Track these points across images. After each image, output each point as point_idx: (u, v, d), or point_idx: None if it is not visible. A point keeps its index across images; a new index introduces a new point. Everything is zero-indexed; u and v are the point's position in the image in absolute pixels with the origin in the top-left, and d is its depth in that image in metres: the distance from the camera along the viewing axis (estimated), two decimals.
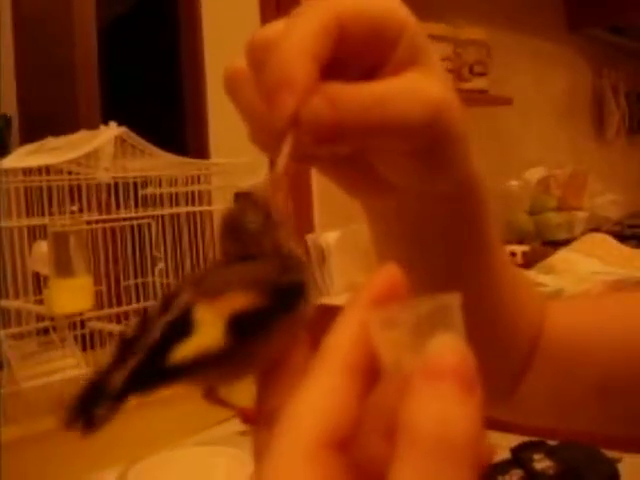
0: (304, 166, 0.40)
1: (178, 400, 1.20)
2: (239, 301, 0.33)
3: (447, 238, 0.45)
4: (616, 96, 3.32)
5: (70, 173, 1.17)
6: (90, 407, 0.32)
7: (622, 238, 1.96)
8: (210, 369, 0.33)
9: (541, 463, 0.91)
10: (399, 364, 0.27)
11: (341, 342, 0.28)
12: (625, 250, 1.68)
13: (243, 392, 0.37)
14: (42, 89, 2.48)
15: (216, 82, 1.84)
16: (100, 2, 2.10)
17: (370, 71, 0.36)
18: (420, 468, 0.24)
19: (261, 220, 0.35)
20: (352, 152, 0.38)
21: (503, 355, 0.55)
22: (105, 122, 1.29)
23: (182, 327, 0.33)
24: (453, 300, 0.27)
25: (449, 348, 0.25)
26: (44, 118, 2.43)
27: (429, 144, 0.37)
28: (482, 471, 0.26)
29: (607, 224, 2.36)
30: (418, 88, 0.35)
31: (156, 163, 1.25)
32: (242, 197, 0.36)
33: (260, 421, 0.34)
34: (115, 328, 1.20)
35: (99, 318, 1.15)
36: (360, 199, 0.45)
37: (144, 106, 1.92)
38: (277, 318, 0.34)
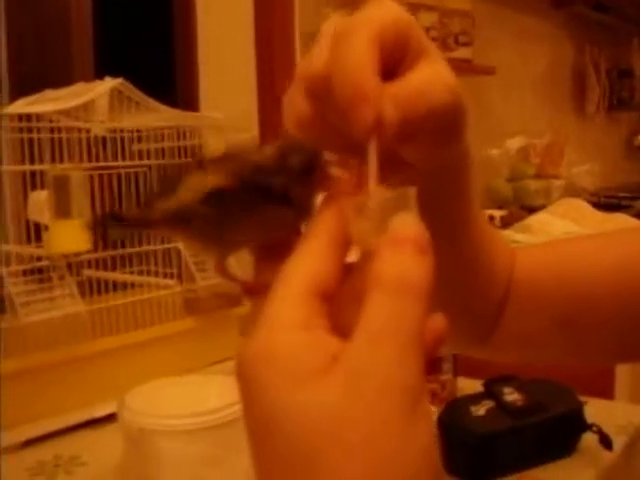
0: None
1: (174, 339, 1.26)
2: (221, 182, 0.40)
3: (439, 199, 0.50)
4: (597, 73, 3.39)
5: (60, 129, 1.21)
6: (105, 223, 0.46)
7: (597, 207, 2.04)
8: (190, 225, 0.41)
9: (511, 396, 0.98)
10: (366, 239, 0.34)
11: (325, 221, 0.36)
12: (598, 214, 1.75)
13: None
14: (33, 46, 2.46)
15: (206, 35, 1.88)
16: None
17: (390, 66, 0.39)
18: (387, 304, 0.31)
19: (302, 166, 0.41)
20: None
21: (482, 298, 0.61)
22: (98, 77, 1.33)
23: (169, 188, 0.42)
24: (411, 190, 0.34)
25: (409, 224, 0.33)
26: (36, 76, 2.42)
27: (449, 122, 0.41)
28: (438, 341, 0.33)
29: (584, 194, 2.44)
30: (440, 76, 0.40)
31: (152, 116, 1.30)
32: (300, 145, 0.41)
33: (258, 292, 0.40)
34: (107, 275, 1.25)
35: (93, 265, 1.20)
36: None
37: (135, 61, 1.94)
38: (250, 204, 0.40)
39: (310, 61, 0.39)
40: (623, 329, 0.59)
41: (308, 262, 0.34)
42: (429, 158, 0.44)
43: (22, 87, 2.35)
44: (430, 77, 0.39)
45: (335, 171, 0.39)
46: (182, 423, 0.84)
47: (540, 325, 0.64)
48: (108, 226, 0.45)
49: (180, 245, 1.30)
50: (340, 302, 0.34)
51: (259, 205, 0.40)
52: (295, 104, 0.39)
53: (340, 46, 0.37)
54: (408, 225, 0.33)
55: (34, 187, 1.16)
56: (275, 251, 0.41)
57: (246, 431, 0.33)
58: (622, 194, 2.68)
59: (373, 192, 0.35)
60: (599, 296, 0.60)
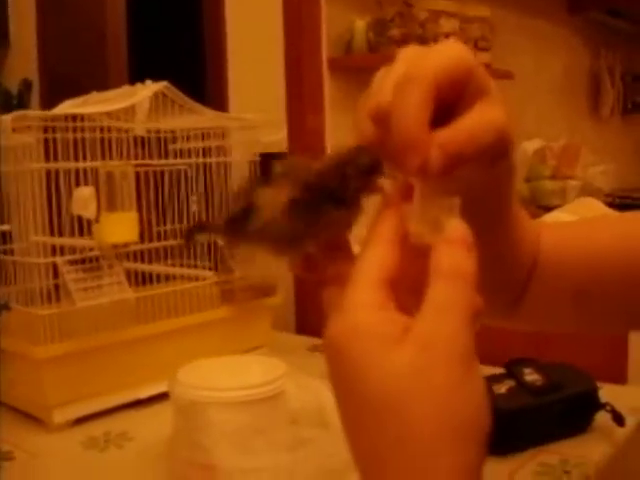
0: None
1: (212, 327, 1.35)
2: (294, 194, 0.47)
3: (487, 199, 0.57)
4: (612, 77, 3.44)
5: (103, 129, 1.28)
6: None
7: (612, 207, 2.10)
8: (275, 234, 0.48)
9: (530, 376, 1.06)
10: (422, 237, 0.44)
11: (388, 222, 0.45)
12: (611, 212, 1.81)
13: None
14: (64, 53, 2.51)
15: (237, 40, 1.96)
16: None
17: (450, 102, 0.46)
18: (446, 287, 0.41)
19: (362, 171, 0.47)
20: None
21: (511, 275, 0.69)
22: (132, 81, 1.41)
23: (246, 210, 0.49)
24: (456, 200, 0.44)
25: (459, 227, 0.42)
26: (66, 82, 2.47)
27: (499, 151, 0.49)
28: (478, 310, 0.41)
29: (599, 195, 2.50)
30: (491, 119, 0.46)
31: (191, 118, 1.38)
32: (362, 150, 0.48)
33: (330, 283, 0.48)
34: (151, 268, 1.34)
35: (138, 258, 1.29)
36: None
37: (167, 64, 2.00)
38: (317, 211, 0.47)
39: (377, 94, 0.47)
40: (631, 297, 0.67)
41: (378, 256, 0.43)
42: (482, 174, 0.52)
43: (58, 89, 2.42)
44: (482, 121, 0.46)
45: (392, 181, 0.46)
46: (231, 395, 0.92)
47: (559, 296, 0.71)
48: (196, 236, 0.53)
49: (219, 240, 1.37)
50: (400, 286, 0.43)
51: (328, 209, 0.47)
52: (360, 124, 0.47)
53: (401, 94, 0.44)
54: (459, 228, 0.42)
55: (79, 183, 1.24)
56: (334, 247, 0.50)
57: (335, 394, 0.42)
58: (636, 194, 2.74)
59: (429, 199, 0.44)
60: (610, 266, 0.67)
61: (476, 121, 0.46)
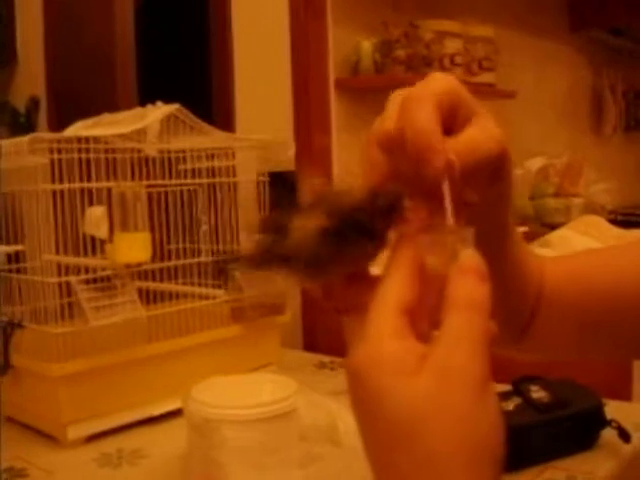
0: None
1: (222, 345, 1.37)
2: (325, 223, 0.49)
3: (489, 224, 0.60)
4: (614, 95, 3.47)
5: (115, 150, 1.31)
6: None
7: (615, 224, 2.13)
8: (303, 263, 0.50)
9: (537, 393, 1.08)
10: (438, 268, 0.45)
11: (406, 254, 0.47)
12: (616, 230, 1.84)
13: None
14: (72, 71, 2.53)
15: (244, 61, 1.99)
16: None
17: (446, 126, 0.49)
18: (461, 317, 0.43)
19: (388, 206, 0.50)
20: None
21: (517, 306, 0.71)
22: (141, 103, 1.43)
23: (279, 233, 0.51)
24: (470, 230, 0.46)
25: (473, 257, 0.44)
26: (74, 101, 2.49)
27: (499, 166, 0.53)
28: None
29: (602, 212, 2.52)
30: (487, 130, 0.50)
31: (201, 139, 1.40)
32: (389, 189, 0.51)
33: (350, 312, 0.51)
34: (163, 287, 1.36)
35: (150, 277, 1.31)
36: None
37: (175, 85, 2.02)
38: (346, 241, 0.49)
39: (383, 122, 0.50)
40: (637, 326, 0.69)
41: (397, 286, 0.45)
42: (481, 193, 0.54)
43: (66, 108, 2.44)
44: (479, 132, 0.50)
45: (410, 213, 0.49)
46: (244, 413, 0.93)
47: (565, 327, 0.73)
48: (231, 267, 0.55)
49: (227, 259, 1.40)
50: (421, 316, 0.45)
51: (355, 240, 0.49)
52: (370, 156, 0.50)
53: (410, 110, 0.47)
54: (472, 258, 0.44)
55: (91, 203, 1.26)
56: (356, 277, 0.52)
57: (357, 420, 0.44)
58: (639, 212, 2.76)
59: (444, 230, 0.46)
60: (618, 297, 0.69)
61: (477, 132, 0.49)
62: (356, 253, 0.50)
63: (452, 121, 0.49)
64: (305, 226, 0.50)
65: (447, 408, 0.41)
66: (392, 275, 0.46)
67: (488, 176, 0.53)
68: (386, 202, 0.48)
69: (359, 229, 0.49)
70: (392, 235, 0.49)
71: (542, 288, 0.73)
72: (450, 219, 0.46)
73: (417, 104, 0.47)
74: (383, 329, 0.43)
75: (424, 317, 0.45)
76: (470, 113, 0.50)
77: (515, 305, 0.71)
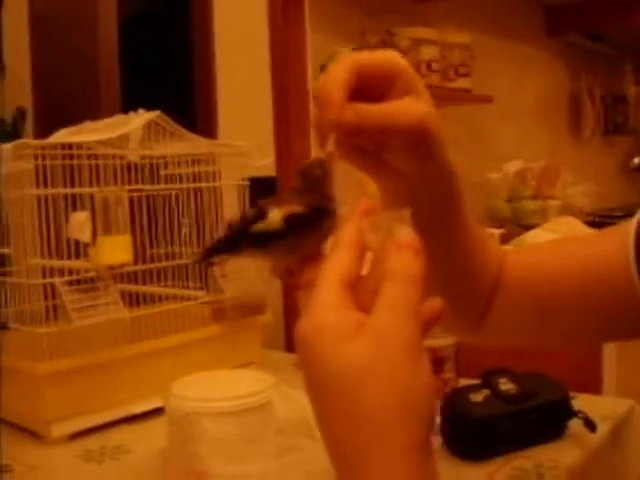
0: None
1: (203, 345, 1.40)
2: (293, 209, 0.57)
3: (433, 205, 0.66)
4: (592, 99, 3.52)
5: (98, 156, 1.34)
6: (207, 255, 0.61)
7: (592, 225, 2.17)
8: (273, 246, 0.56)
9: (505, 385, 1.11)
10: (378, 246, 0.50)
11: (350, 233, 0.51)
12: (587, 229, 1.89)
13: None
14: (58, 82, 2.55)
15: (225, 69, 2.03)
16: None
17: (380, 97, 0.58)
18: (395, 288, 0.47)
19: (320, 174, 0.59)
20: (372, 149, 0.61)
21: (474, 290, 0.76)
22: (124, 110, 1.46)
23: (259, 216, 0.57)
24: (407, 211, 0.50)
25: (408, 234, 0.49)
26: (59, 110, 2.51)
27: (419, 141, 0.59)
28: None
29: (580, 214, 2.57)
30: (410, 106, 0.58)
31: (181, 145, 1.44)
32: (313, 161, 0.59)
33: (302, 287, 0.55)
34: (144, 289, 1.39)
35: (132, 279, 1.34)
36: (376, 181, 0.67)
37: (158, 93, 2.04)
38: (312, 223, 0.57)
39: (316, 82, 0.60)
40: (587, 313, 0.73)
41: (340, 262, 0.50)
42: (414, 168, 0.61)
43: (52, 117, 2.46)
44: (402, 105, 0.57)
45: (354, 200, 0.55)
46: (221, 405, 0.97)
47: (523, 315, 0.78)
48: (210, 258, 0.62)
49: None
50: (358, 288, 0.50)
51: (321, 222, 0.57)
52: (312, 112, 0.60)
53: (328, 71, 0.55)
54: (407, 235, 0.49)
55: (75, 208, 1.29)
56: (312, 256, 0.58)
57: (305, 386, 0.48)
58: (617, 214, 2.81)
59: (379, 219, 0.52)
60: (569, 286, 0.74)
61: (400, 104, 0.58)
62: (322, 234, 0.57)
63: (387, 88, 0.57)
64: (279, 210, 0.57)
65: (381, 369, 0.45)
66: (336, 253, 0.50)
67: (413, 149, 0.59)
68: (313, 175, 0.57)
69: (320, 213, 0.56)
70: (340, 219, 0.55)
71: (501, 276, 0.77)
72: (372, 231, 0.51)
73: (335, 66, 0.55)
74: (326, 300, 0.48)
75: (368, 292, 0.49)
76: (409, 88, 0.58)
77: (470, 287, 0.75)
